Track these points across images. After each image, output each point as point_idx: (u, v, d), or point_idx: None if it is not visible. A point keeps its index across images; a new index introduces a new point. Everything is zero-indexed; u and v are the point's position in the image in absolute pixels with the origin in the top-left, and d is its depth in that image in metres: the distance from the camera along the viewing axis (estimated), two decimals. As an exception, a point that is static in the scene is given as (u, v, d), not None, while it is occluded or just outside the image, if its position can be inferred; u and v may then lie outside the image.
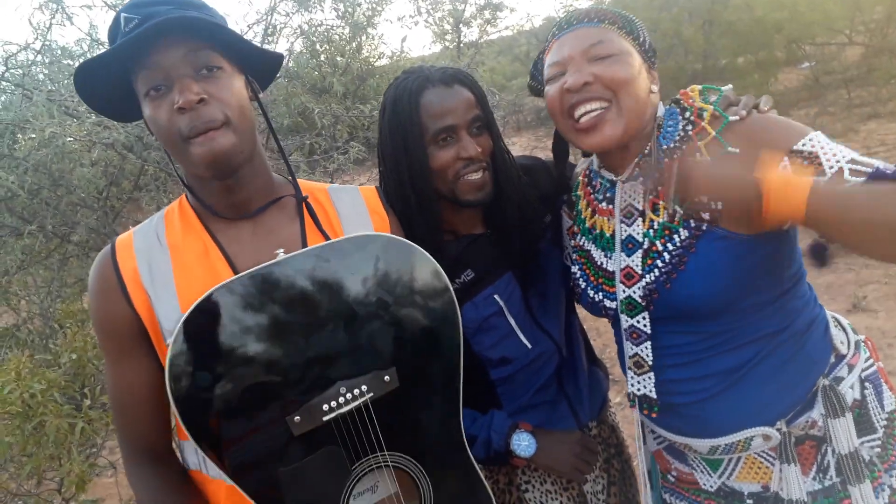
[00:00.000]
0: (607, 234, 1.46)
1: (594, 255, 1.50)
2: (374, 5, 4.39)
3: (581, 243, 1.55)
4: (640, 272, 1.37)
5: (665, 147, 1.36)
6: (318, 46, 4.26)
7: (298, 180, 1.42)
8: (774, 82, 10.88)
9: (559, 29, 1.40)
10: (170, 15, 1.11)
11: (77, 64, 4.03)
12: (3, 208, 3.83)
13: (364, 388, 1.21)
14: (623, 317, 1.44)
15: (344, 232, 1.34)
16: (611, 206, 1.45)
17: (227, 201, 1.27)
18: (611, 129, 1.31)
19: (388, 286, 1.23)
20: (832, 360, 1.40)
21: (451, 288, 1.28)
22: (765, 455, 1.39)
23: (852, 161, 1.19)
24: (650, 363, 1.42)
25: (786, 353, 1.35)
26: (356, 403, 1.21)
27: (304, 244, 1.28)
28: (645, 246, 1.37)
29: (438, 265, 1.27)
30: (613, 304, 1.45)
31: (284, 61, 3.58)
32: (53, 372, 2.33)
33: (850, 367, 1.39)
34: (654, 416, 1.45)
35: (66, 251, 3.83)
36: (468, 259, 1.59)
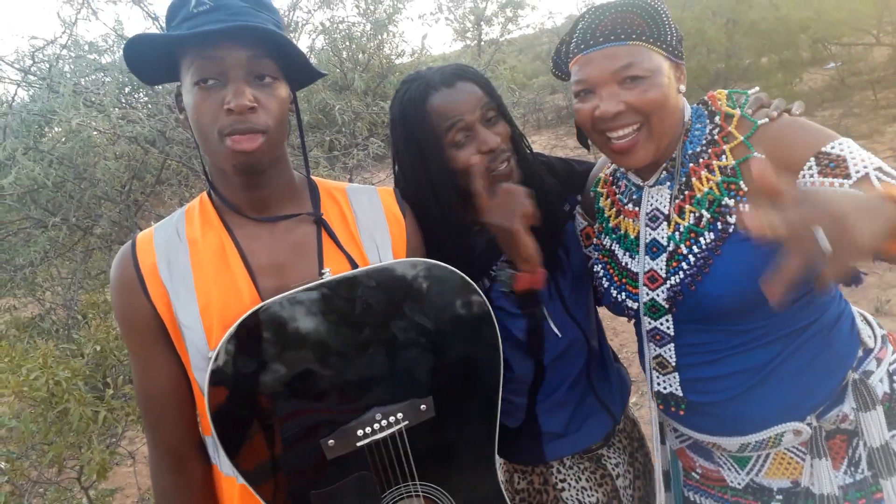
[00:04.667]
0: (632, 236, 1.46)
1: (618, 255, 1.50)
2: (396, 2, 4.39)
3: (605, 243, 1.55)
4: (663, 275, 1.37)
5: (690, 152, 1.36)
6: (339, 44, 4.27)
7: (317, 179, 1.42)
8: (799, 83, 10.74)
9: (584, 43, 1.36)
10: (248, 19, 1.14)
11: (102, 59, 4.09)
12: (29, 200, 3.89)
13: (400, 415, 1.21)
14: (645, 319, 1.44)
15: (360, 234, 1.34)
16: (636, 209, 1.45)
17: (249, 199, 1.28)
18: (643, 151, 1.33)
19: (431, 313, 1.23)
20: (860, 354, 1.38)
21: (495, 318, 1.27)
22: (795, 450, 1.38)
23: (879, 169, 1.17)
24: (674, 364, 1.42)
25: (814, 347, 1.34)
26: (391, 431, 1.20)
27: (320, 252, 1.29)
28: (670, 249, 1.37)
29: (482, 293, 1.26)
30: (636, 305, 1.45)
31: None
32: (77, 361, 2.37)
33: (879, 361, 1.38)
34: (681, 413, 1.44)
35: (88, 244, 3.88)
36: (496, 250, 1.55)
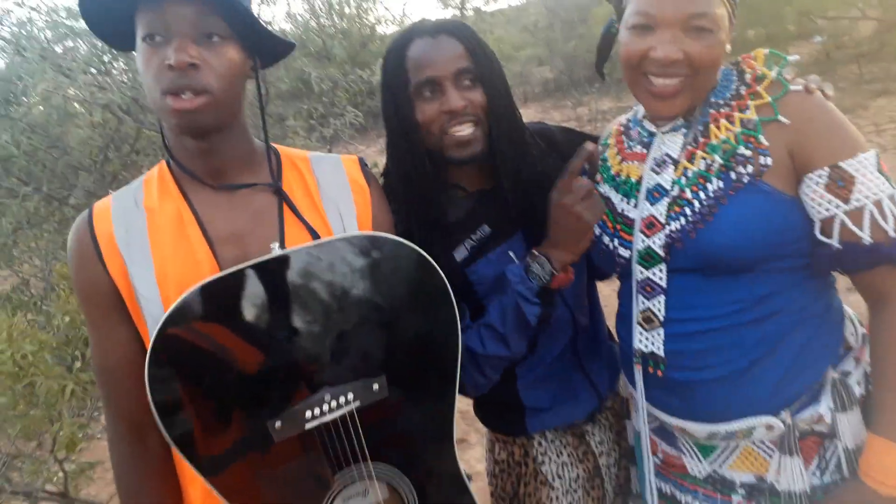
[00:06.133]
0: (633, 180, 1.42)
1: (615, 202, 1.46)
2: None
3: (602, 191, 1.49)
4: (663, 221, 1.33)
5: (713, 100, 1.34)
6: (317, 9, 4.17)
7: (280, 147, 1.40)
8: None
9: None
10: None
11: (79, 24, 3.98)
12: (1, 169, 3.80)
13: (350, 395, 1.17)
14: (637, 268, 1.39)
15: (323, 204, 1.31)
16: (644, 151, 1.42)
17: (205, 166, 1.25)
18: (681, 101, 1.30)
19: (384, 290, 1.18)
20: (841, 351, 1.35)
21: (453, 297, 1.23)
22: (763, 446, 1.34)
23: (891, 198, 1.19)
24: (661, 318, 1.37)
25: (806, 333, 1.30)
26: (341, 412, 1.17)
27: (281, 221, 1.26)
28: (673, 193, 1.33)
29: (441, 272, 1.22)
30: (627, 254, 1.40)
31: (281, 26, 3.50)
32: (46, 334, 2.33)
33: (857, 361, 1.34)
34: (659, 374, 1.38)
35: (63, 214, 3.81)
36: (482, 214, 1.54)
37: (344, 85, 3.52)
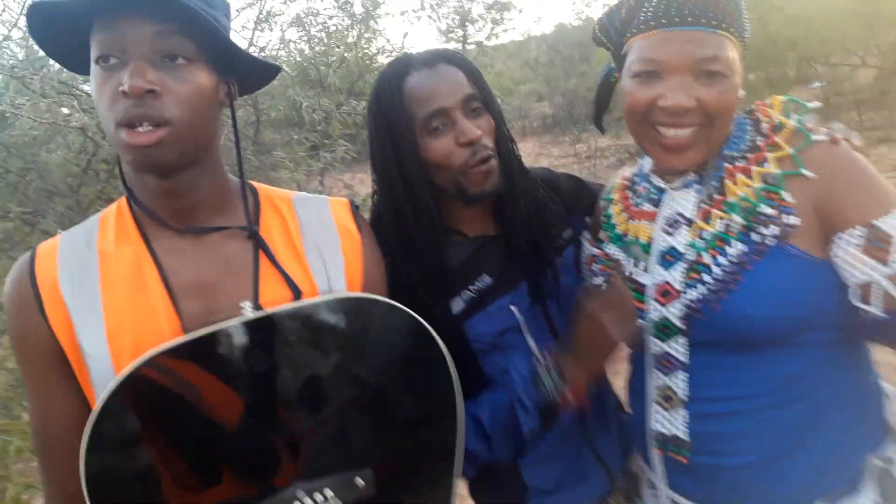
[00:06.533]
0: (643, 241, 1.32)
1: (623, 265, 1.35)
2: (375, -5, 4.15)
3: (609, 252, 1.40)
4: (679, 289, 1.23)
5: (727, 153, 1.25)
6: (314, 38, 4.02)
7: (259, 185, 1.26)
8: (785, 100, 10.70)
9: (666, 17, 1.19)
10: None
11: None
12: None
13: (329, 493, 1.00)
14: (652, 340, 1.28)
15: (306, 252, 1.18)
16: (653, 209, 1.33)
17: (169, 207, 1.12)
18: (694, 153, 1.22)
19: (373, 363, 1.04)
20: (882, 434, 1.23)
21: (453, 370, 1.10)
22: None
23: None
24: (683, 397, 1.24)
25: (840, 416, 1.19)
26: None
27: (256, 271, 1.12)
28: (689, 257, 1.23)
29: (438, 338, 1.08)
30: (641, 324, 1.29)
31: (276, 51, 3.37)
32: (-2, 377, 2.11)
33: None
34: (683, 461, 1.26)
35: (27, 244, 3.59)
36: (482, 263, 1.42)
37: (338, 116, 3.35)
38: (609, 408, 1.58)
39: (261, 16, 3.49)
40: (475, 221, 1.45)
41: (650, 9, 1.22)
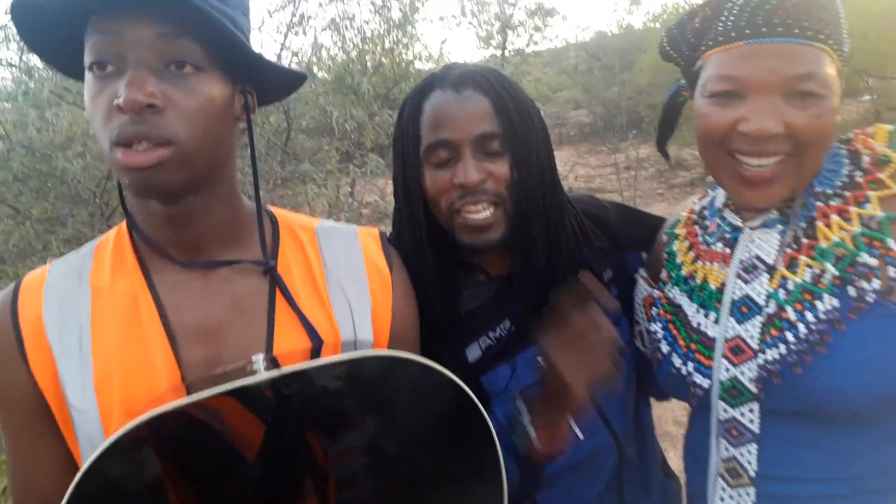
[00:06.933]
0: (712, 287, 1.17)
1: (687, 312, 1.20)
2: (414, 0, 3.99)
3: (671, 295, 1.25)
4: (755, 346, 1.07)
5: (818, 190, 1.09)
6: (348, 42, 3.88)
7: (280, 212, 1.13)
8: (834, 113, 10.57)
9: (752, 27, 1.03)
10: None
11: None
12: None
13: None
14: (719, 405, 1.12)
15: (328, 292, 1.05)
16: (727, 251, 1.17)
17: (174, 236, 0.99)
18: (780, 188, 1.04)
19: (405, 436, 0.92)
20: None
21: (496, 440, 0.97)
22: None
23: None
24: (752, 474, 1.09)
25: None
26: None
27: (271, 313, 1.00)
28: (769, 310, 1.07)
29: (480, 406, 0.94)
30: (706, 384, 1.13)
31: (308, 55, 3.24)
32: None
33: None
34: None
35: (50, 247, 3.51)
36: (504, 306, 1.26)
37: (370, 126, 3.19)
38: (652, 470, 1.41)
39: (294, 18, 3.36)
40: (496, 260, 1.28)
41: (731, 18, 1.05)
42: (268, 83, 1.06)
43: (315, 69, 3.49)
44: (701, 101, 1.09)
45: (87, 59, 0.89)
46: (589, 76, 15.09)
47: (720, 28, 1.06)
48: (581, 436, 1.21)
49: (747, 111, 1.02)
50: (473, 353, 1.23)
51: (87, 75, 0.89)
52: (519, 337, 1.25)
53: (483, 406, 1.19)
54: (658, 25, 14.19)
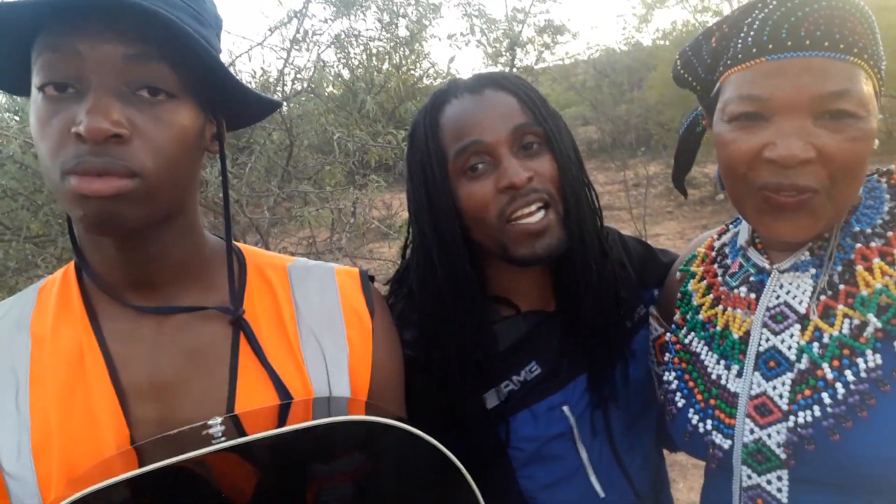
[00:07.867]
0: (735, 336, 1.05)
1: (706, 362, 1.09)
2: (422, 17, 3.89)
3: (687, 341, 1.14)
4: (784, 407, 0.96)
5: (857, 230, 0.98)
6: (353, 60, 3.77)
7: (248, 249, 1.05)
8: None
9: (775, 42, 0.91)
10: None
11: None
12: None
13: None
14: (743, 470, 1.00)
15: (300, 341, 0.97)
16: (752, 296, 1.05)
17: (127, 277, 0.91)
18: (814, 221, 0.93)
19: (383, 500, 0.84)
20: None
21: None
22: None
23: None
24: None
25: None
26: None
27: (234, 367, 0.92)
28: (801, 367, 0.96)
29: (469, 479, 0.84)
30: (727, 444, 1.02)
31: (308, 74, 3.15)
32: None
33: None
34: None
35: (35, 263, 3.40)
36: (534, 346, 1.17)
37: (373, 148, 3.08)
38: None
39: (297, 35, 3.25)
40: (531, 292, 1.18)
41: (751, 33, 0.94)
42: (240, 110, 0.98)
43: (323, 84, 3.40)
44: (721, 128, 0.99)
45: (39, 78, 0.80)
46: (597, 93, 15.02)
47: (740, 45, 0.96)
48: (602, 493, 1.17)
49: (773, 134, 0.91)
50: (491, 399, 1.14)
51: (36, 95, 0.80)
52: (545, 381, 1.15)
53: (499, 456, 1.14)
54: (667, 43, 14.12)
